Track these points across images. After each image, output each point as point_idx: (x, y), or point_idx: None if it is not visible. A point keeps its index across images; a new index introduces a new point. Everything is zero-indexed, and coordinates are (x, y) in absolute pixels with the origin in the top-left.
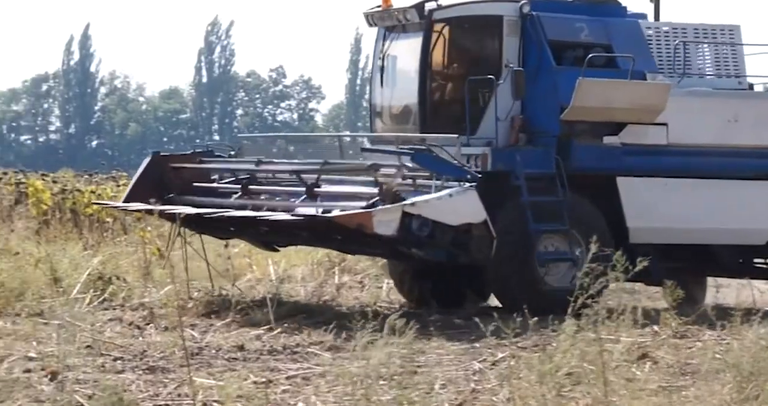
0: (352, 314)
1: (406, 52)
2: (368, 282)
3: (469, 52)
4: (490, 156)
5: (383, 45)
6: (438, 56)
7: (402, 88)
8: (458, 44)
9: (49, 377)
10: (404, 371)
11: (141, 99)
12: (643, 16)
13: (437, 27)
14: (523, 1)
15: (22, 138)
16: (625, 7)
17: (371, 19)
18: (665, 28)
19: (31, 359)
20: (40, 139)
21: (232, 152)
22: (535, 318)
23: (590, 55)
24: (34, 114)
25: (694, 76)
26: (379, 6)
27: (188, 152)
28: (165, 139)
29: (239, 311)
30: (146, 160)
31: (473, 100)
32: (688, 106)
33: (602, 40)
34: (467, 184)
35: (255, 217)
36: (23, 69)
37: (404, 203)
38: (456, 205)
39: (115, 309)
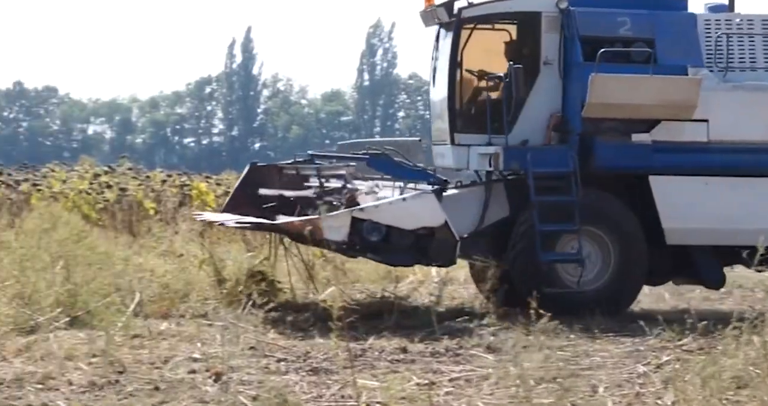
0: (515, 316)
1: (444, 51)
2: None
3: (504, 50)
4: (502, 155)
5: (436, 44)
6: (472, 55)
7: (439, 87)
8: (492, 42)
9: (214, 378)
10: (566, 374)
11: (303, 101)
12: (722, 8)
13: (469, 25)
14: None
15: (186, 140)
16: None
17: (421, 18)
18: (728, 21)
19: (195, 360)
20: (204, 142)
21: (333, 160)
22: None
23: (601, 50)
24: (197, 117)
25: (746, 70)
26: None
27: (289, 161)
28: (327, 141)
29: (402, 313)
30: (245, 170)
31: (509, 98)
32: (733, 102)
33: (645, 34)
34: (429, 188)
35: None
36: (187, 72)
37: (353, 208)
38: (412, 209)
39: (278, 311)
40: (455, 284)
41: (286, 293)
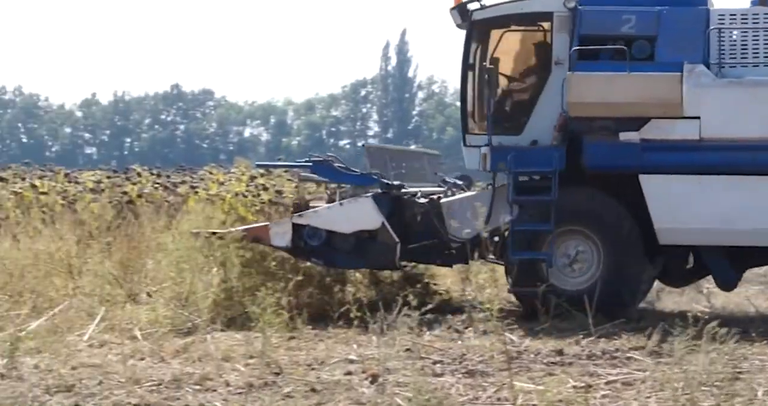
0: (672, 319)
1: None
2: (688, 287)
3: (516, 50)
4: (489, 156)
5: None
6: (484, 56)
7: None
8: (504, 43)
9: (370, 379)
10: (726, 378)
11: (458, 104)
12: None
13: (481, 27)
14: None
15: (341, 143)
16: None
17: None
18: (744, 16)
19: (351, 361)
20: (359, 144)
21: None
22: None
23: (574, 48)
24: (352, 119)
25: (759, 66)
26: None
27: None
28: None
29: (558, 315)
30: None
31: (520, 98)
32: (728, 98)
33: (648, 31)
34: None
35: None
36: (342, 75)
37: (293, 214)
38: (348, 213)
39: (433, 313)
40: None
41: (441, 294)
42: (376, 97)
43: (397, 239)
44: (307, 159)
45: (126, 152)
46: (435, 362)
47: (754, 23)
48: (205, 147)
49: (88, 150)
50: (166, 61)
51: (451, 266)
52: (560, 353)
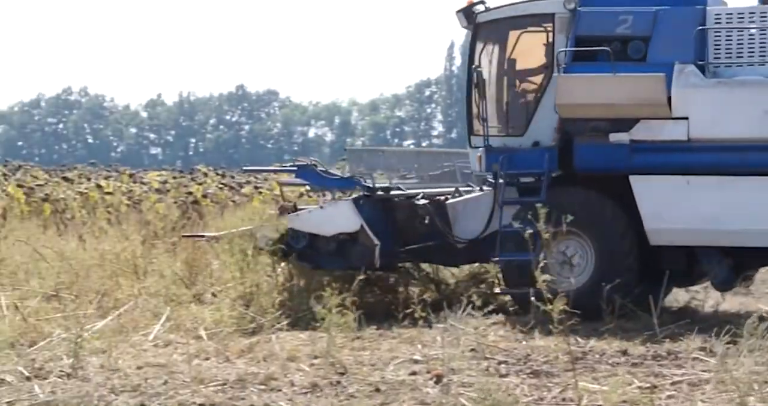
0: (737, 319)
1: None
2: (755, 287)
3: (519, 52)
4: (484, 157)
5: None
6: (489, 58)
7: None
8: (508, 45)
9: (435, 379)
10: None
11: None
12: None
13: (486, 29)
14: None
15: (405, 143)
16: None
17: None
18: (740, 15)
19: (416, 361)
20: (423, 144)
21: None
22: None
23: (559, 50)
24: (416, 119)
25: (754, 65)
26: None
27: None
28: None
29: (622, 315)
30: None
31: (524, 100)
32: (716, 98)
33: (642, 32)
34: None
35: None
36: (407, 75)
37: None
38: (329, 216)
39: (497, 313)
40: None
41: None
42: (441, 98)
43: (376, 241)
44: (292, 164)
45: (191, 153)
46: (500, 363)
47: (750, 22)
48: (269, 147)
49: (153, 150)
50: (231, 62)
51: (457, 266)
52: (625, 353)
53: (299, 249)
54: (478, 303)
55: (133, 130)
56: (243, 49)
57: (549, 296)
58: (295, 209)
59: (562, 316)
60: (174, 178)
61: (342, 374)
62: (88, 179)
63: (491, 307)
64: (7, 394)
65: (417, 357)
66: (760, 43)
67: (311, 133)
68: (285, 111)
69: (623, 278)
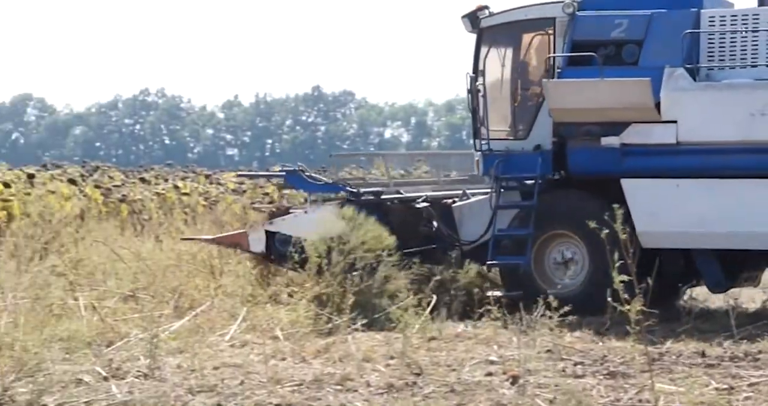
0: None
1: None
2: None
3: (522, 56)
4: (481, 162)
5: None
6: (493, 62)
7: None
8: (511, 49)
9: (510, 380)
10: None
11: None
12: None
13: (490, 33)
14: (565, 2)
15: None
16: None
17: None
18: (733, 17)
19: (492, 362)
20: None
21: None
22: None
23: (548, 56)
24: None
25: (746, 67)
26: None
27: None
28: None
29: (699, 316)
30: None
31: (526, 104)
32: (703, 101)
33: (636, 35)
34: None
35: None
36: None
37: (264, 222)
38: (314, 220)
39: (573, 314)
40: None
41: None
42: None
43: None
44: (280, 169)
45: (267, 154)
46: (576, 364)
47: (743, 25)
48: (345, 148)
49: (230, 151)
50: (308, 63)
51: (461, 268)
52: (702, 354)
53: (286, 253)
54: (555, 304)
55: (210, 131)
56: (319, 50)
57: (625, 296)
58: (288, 213)
59: (639, 317)
60: (250, 179)
61: (418, 374)
62: (165, 180)
63: (567, 307)
64: (85, 394)
65: (493, 358)
66: (753, 45)
67: (387, 133)
68: (361, 112)
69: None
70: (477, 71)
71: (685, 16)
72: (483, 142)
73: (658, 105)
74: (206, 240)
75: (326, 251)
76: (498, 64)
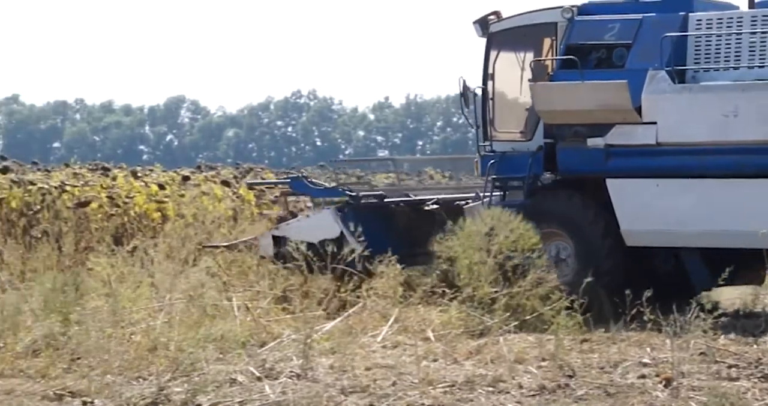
0: None
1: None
2: None
3: (528, 60)
4: (479, 163)
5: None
6: (501, 66)
7: None
8: (517, 53)
9: (664, 383)
10: None
11: None
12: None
13: (499, 38)
14: (563, 7)
15: None
16: (689, 1)
17: None
18: (719, 19)
19: (645, 365)
20: None
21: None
22: None
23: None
24: None
25: (729, 69)
26: None
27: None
28: None
29: None
30: None
31: (530, 106)
32: (680, 103)
33: (626, 39)
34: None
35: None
36: None
37: (272, 227)
38: (313, 224)
39: (727, 316)
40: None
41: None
42: None
43: (358, 245)
44: (285, 176)
45: (418, 155)
46: (730, 366)
47: (728, 27)
48: None
49: (381, 153)
50: (458, 64)
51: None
52: None
53: (292, 256)
54: (708, 306)
55: (361, 132)
56: (469, 51)
57: None
58: (293, 217)
59: None
60: (401, 180)
61: (570, 376)
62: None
63: (720, 310)
64: (239, 394)
65: (646, 360)
66: (736, 48)
67: None
68: None
69: (605, 278)
70: (486, 75)
71: (673, 19)
72: (487, 143)
73: (638, 107)
74: (224, 246)
75: (474, 252)
76: (506, 68)
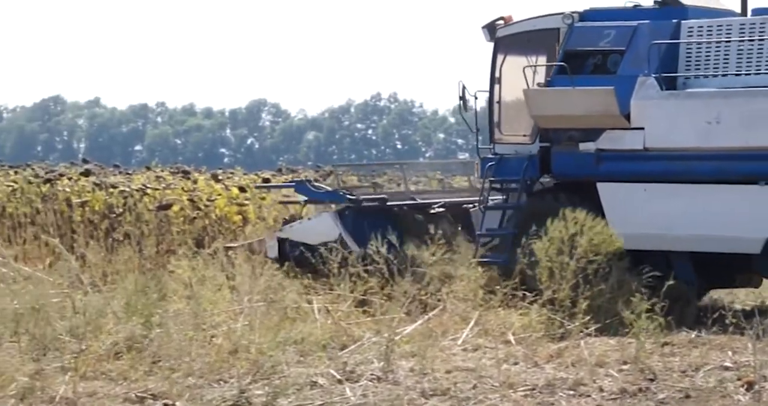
0: None
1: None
2: None
3: (532, 64)
4: (480, 166)
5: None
6: (507, 70)
7: None
8: (522, 58)
9: (745, 386)
10: None
11: None
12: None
13: (505, 43)
14: (564, 13)
15: None
16: (684, 8)
17: None
18: (709, 26)
19: (727, 368)
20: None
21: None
22: None
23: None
24: None
25: (718, 76)
26: None
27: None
28: None
29: None
30: None
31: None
32: (667, 109)
33: (620, 45)
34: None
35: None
36: None
37: (276, 229)
38: (315, 227)
39: None
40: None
41: None
42: None
43: (357, 248)
44: (291, 180)
45: None
46: None
47: (717, 35)
48: None
49: (461, 155)
50: None
51: None
52: None
53: (296, 256)
54: None
55: (441, 135)
56: None
57: None
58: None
59: None
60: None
61: (651, 380)
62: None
63: None
64: (320, 396)
65: (727, 364)
66: (725, 55)
67: None
68: None
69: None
70: (493, 79)
71: (665, 26)
72: (487, 147)
73: (627, 112)
74: (232, 248)
75: (556, 255)
76: (512, 72)
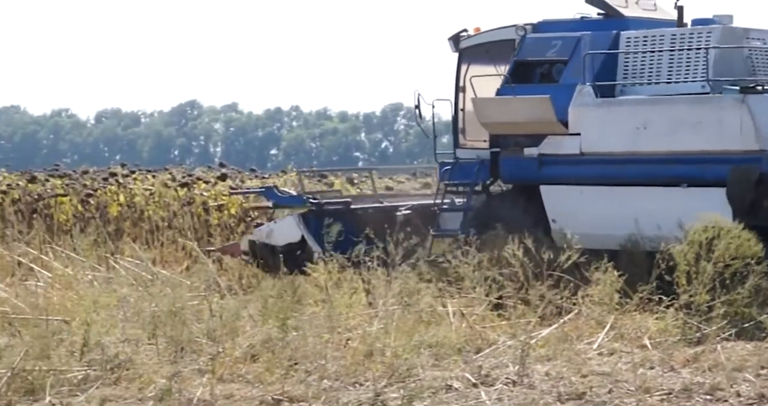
0: None
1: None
2: None
3: (494, 73)
4: (439, 170)
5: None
6: (470, 79)
7: None
8: (483, 68)
9: None
10: None
11: None
12: (708, 21)
13: (468, 53)
14: (517, 25)
15: None
16: (625, 20)
17: None
18: (644, 37)
19: None
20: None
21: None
22: None
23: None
24: None
25: (652, 84)
26: None
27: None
28: None
29: None
30: None
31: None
32: (600, 116)
33: (564, 55)
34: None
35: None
36: None
37: (247, 232)
38: (280, 229)
39: None
40: None
41: None
42: None
43: (317, 248)
44: (260, 186)
45: None
46: None
47: (652, 45)
48: None
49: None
50: None
51: None
52: None
53: (266, 258)
54: None
55: None
56: None
57: None
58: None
59: None
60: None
61: None
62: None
63: None
64: (455, 400)
65: None
66: (657, 64)
67: None
68: None
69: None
70: (458, 87)
71: (606, 37)
72: (442, 152)
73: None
74: (211, 251)
75: (694, 259)
76: (473, 81)
